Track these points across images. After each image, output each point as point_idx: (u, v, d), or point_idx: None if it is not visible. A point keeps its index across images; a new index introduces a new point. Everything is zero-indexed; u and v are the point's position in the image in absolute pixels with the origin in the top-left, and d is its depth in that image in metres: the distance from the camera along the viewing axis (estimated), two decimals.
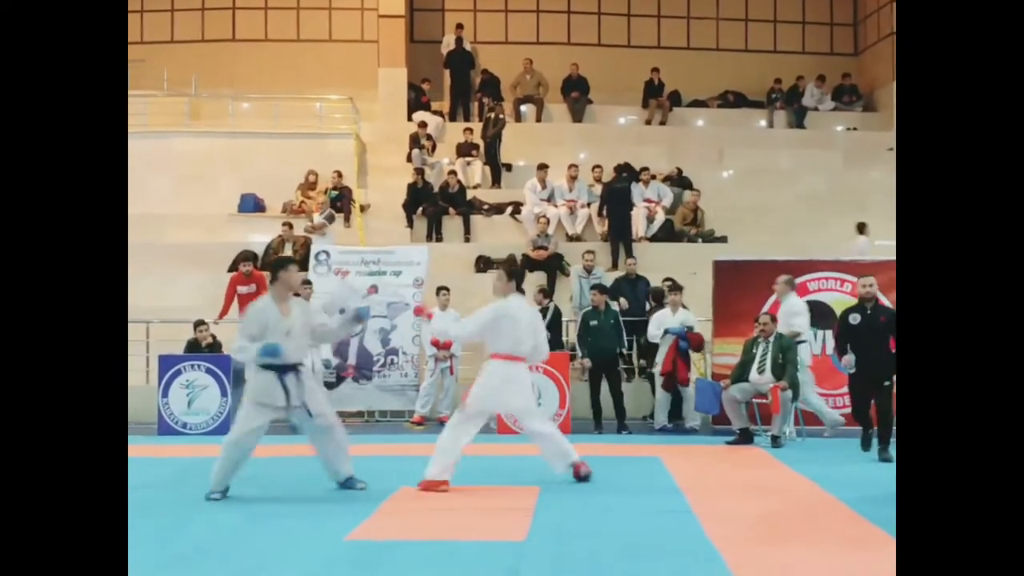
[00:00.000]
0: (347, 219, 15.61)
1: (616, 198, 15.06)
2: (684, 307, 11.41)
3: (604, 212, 15.17)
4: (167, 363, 11.15)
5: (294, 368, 6.71)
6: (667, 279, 11.87)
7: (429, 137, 17.24)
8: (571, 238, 15.28)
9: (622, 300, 12.04)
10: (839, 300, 11.15)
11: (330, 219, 14.53)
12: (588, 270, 13.30)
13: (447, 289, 11.50)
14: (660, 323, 11.16)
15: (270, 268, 6.84)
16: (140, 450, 9.88)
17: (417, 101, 18.76)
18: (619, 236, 14.89)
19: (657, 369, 11.23)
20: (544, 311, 12.15)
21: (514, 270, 7.39)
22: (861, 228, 14.67)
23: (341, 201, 15.60)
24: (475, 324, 7.27)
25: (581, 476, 7.20)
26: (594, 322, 11.09)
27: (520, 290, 7.29)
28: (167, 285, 13.88)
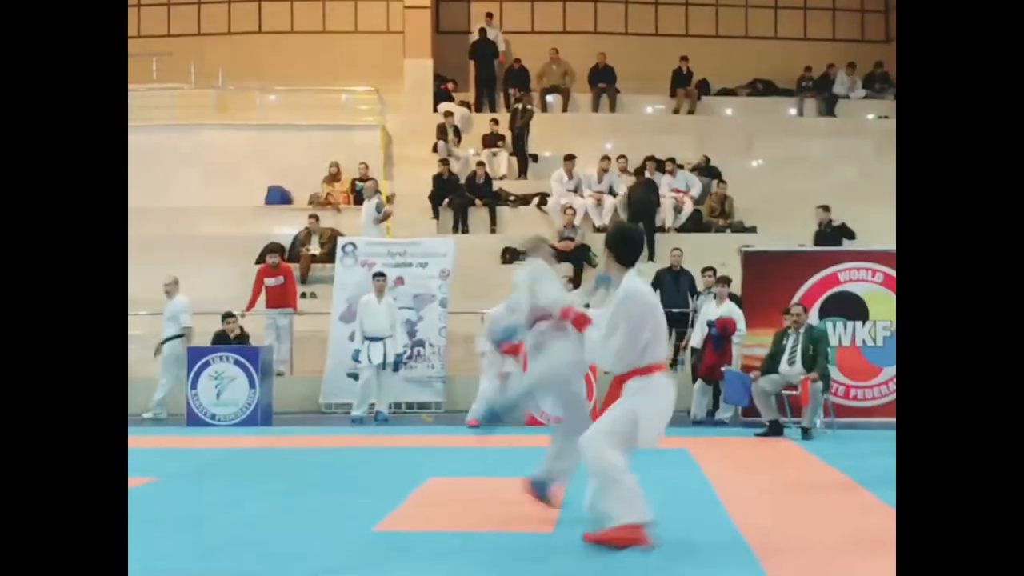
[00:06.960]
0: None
1: (643, 191, 14.94)
2: (732, 296, 11.10)
3: (629, 205, 15.07)
4: (196, 354, 11.22)
5: None
6: (707, 268, 11.52)
7: (455, 128, 17.21)
8: (598, 229, 15.20)
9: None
10: (870, 291, 11.02)
11: (379, 209, 14.50)
12: None
13: None
14: (704, 316, 10.99)
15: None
16: (169, 441, 9.95)
17: (442, 91, 18.72)
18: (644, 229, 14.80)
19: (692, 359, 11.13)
20: None
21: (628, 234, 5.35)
22: None
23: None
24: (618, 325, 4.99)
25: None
26: None
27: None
28: (195, 277, 13.96)
